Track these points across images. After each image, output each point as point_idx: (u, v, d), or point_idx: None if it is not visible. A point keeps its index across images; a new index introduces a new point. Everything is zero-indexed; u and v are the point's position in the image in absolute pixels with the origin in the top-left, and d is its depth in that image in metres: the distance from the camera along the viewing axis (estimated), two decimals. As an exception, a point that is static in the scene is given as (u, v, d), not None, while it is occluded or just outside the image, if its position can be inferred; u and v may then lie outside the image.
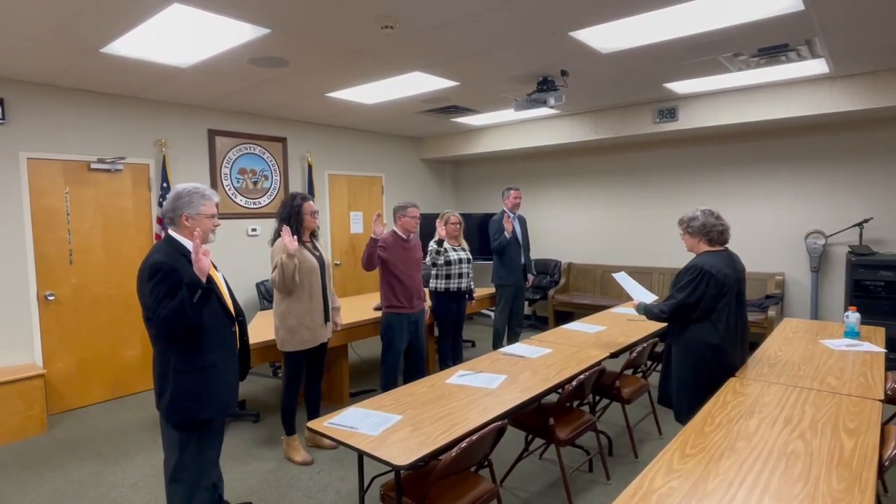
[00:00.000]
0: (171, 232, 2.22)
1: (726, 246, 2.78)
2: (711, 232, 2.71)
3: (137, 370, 4.74)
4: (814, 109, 4.60)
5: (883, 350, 3.01)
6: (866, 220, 4.97)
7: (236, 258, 5.37)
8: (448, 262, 4.40)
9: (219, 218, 2.32)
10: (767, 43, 3.58)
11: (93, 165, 4.47)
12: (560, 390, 2.74)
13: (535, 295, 6.76)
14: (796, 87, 4.65)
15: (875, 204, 5.03)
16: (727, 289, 2.62)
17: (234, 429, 3.89)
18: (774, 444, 1.87)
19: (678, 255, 5.99)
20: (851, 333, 3.27)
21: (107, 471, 3.32)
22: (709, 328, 2.63)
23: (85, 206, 4.45)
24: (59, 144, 4.30)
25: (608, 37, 3.40)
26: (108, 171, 4.57)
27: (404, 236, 3.90)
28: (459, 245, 4.62)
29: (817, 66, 4.15)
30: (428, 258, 4.22)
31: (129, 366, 4.72)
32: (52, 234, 4.28)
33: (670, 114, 5.33)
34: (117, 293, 4.62)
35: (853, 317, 3.29)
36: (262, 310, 4.99)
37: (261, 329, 3.84)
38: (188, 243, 2.15)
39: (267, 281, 5.30)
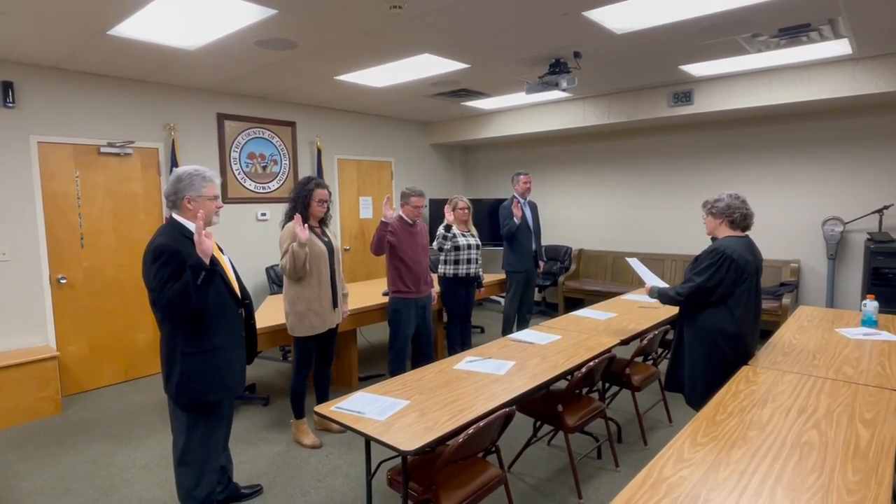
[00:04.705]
0: (174, 215, 2.21)
1: (747, 233, 2.73)
2: (735, 214, 2.66)
3: (149, 353, 4.79)
4: (834, 92, 4.47)
5: (901, 339, 2.94)
6: (886, 207, 4.84)
7: (246, 243, 5.37)
8: (457, 248, 4.37)
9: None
10: (788, 23, 3.47)
11: (102, 149, 4.47)
12: (569, 377, 2.72)
13: (546, 281, 6.72)
14: (817, 69, 4.51)
15: (896, 190, 4.91)
16: (747, 275, 2.57)
17: (243, 412, 3.93)
18: (788, 433, 1.83)
19: (691, 241, 5.95)
20: (869, 322, 3.20)
21: (118, 452, 3.37)
22: (725, 314, 2.59)
23: (95, 190, 4.46)
24: (69, 128, 4.30)
25: (623, 16, 3.31)
26: (117, 155, 4.57)
27: (409, 221, 3.88)
28: (468, 230, 4.58)
29: (839, 47, 4.01)
30: (435, 243, 4.19)
31: (141, 349, 4.77)
32: (64, 218, 4.30)
33: (686, 97, 5.21)
34: (128, 276, 4.65)
35: (871, 305, 3.21)
36: (272, 294, 5.01)
37: (270, 313, 3.85)
38: (192, 226, 2.14)
39: (277, 265, 5.31)
